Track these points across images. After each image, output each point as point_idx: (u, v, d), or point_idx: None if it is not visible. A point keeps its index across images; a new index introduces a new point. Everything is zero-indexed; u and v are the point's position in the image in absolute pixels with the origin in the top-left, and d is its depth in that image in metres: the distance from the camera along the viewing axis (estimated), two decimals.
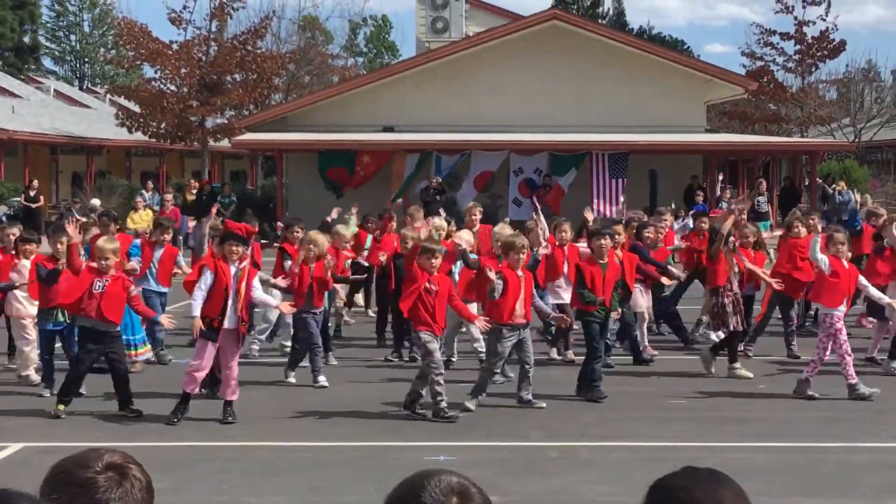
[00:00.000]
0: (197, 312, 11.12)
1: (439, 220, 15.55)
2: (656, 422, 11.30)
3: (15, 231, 13.66)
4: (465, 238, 13.89)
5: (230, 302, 11.13)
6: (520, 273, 11.60)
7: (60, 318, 12.49)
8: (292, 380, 13.31)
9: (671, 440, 10.49)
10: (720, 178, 36.27)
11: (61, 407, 11.40)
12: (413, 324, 11.72)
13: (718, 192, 33.34)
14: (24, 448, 10.20)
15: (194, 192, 34.66)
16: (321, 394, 12.74)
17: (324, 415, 11.61)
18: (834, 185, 35.97)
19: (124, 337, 13.83)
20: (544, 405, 11.80)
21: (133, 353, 14.01)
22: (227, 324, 11.13)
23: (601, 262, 12.51)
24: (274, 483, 9.00)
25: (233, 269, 11.22)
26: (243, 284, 11.20)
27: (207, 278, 11.17)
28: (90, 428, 10.92)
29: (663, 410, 11.87)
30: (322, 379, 13.11)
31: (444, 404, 11.19)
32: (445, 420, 11.10)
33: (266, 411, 11.68)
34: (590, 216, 15.41)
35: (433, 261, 11.36)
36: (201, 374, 11.25)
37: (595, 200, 32.29)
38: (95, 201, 32.48)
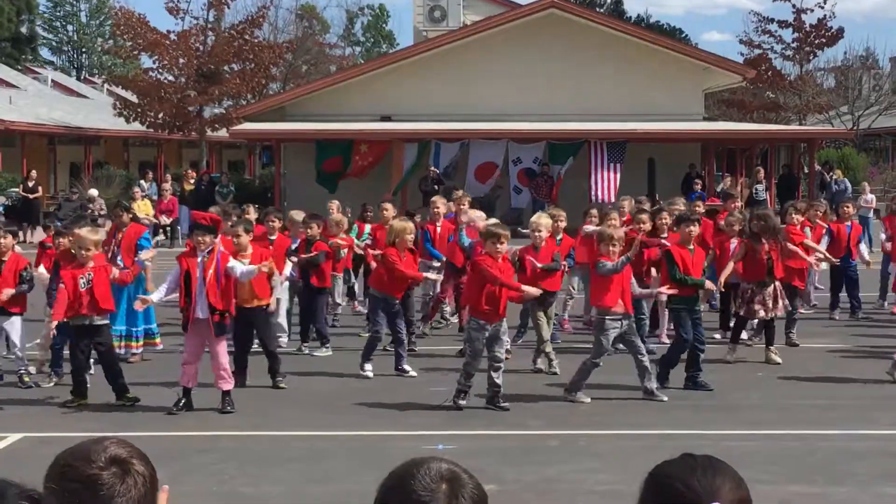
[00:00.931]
0: (155, 299, 11.53)
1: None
2: (655, 410, 11.32)
3: None
4: (478, 214, 13.98)
5: (196, 292, 11.20)
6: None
7: None
8: (369, 374, 13.20)
9: (670, 428, 10.51)
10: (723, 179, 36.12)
11: (76, 401, 11.54)
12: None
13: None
14: (23, 438, 10.22)
15: (192, 181, 34.65)
16: (318, 384, 12.75)
17: (321, 405, 11.63)
18: (831, 174, 36.01)
19: (123, 327, 13.87)
20: (665, 398, 11.67)
21: (134, 344, 14.02)
22: (198, 314, 11.20)
23: (689, 247, 12.46)
24: (271, 473, 9.02)
25: (198, 259, 11.28)
26: (210, 273, 11.20)
27: (175, 270, 11.31)
28: (89, 418, 10.93)
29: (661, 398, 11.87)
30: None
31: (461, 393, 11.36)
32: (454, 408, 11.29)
33: (264, 401, 11.69)
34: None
35: (499, 246, 11.40)
36: (190, 368, 11.27)
37: (592, 188, 32.30)
38: (93, 192, 32.49)
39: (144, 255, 13.57)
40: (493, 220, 13.51)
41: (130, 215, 14.92)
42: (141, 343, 14.09)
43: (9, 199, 33.21)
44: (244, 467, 9.20)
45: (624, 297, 11.63)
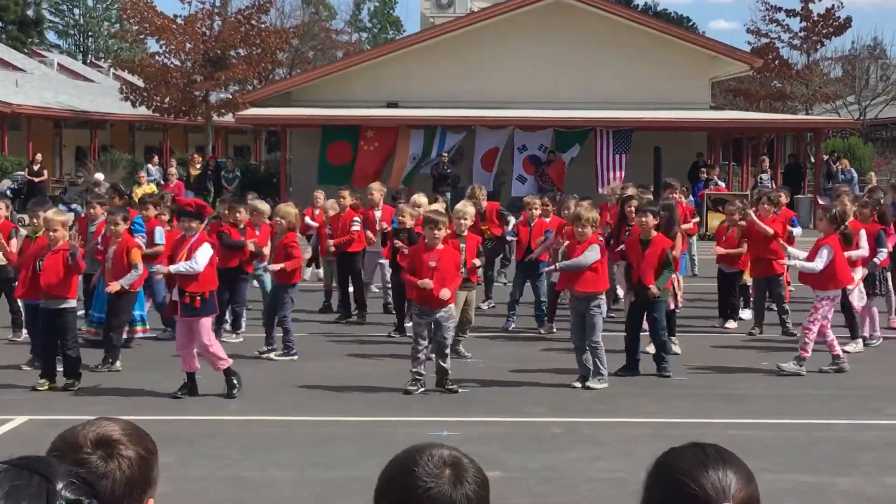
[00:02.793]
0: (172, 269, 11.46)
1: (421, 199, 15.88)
2: (658, 399, 11.32)
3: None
4: (468, 211, 13.92)
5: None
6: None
7: None
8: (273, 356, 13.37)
9: (672, 416, 10.51)
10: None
11: (45, 384, 11.57)
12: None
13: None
14: (28, 421, 10.25)
15: (198, 166, 34.64)
16: (322, 369, 12.76)
17: (326, 390, 11.64)
18: (837, 164, 35.94)
19: (139, 312, 13.88)
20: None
21: (139, 328, 14.04)
22: (175, 296, 11.35)
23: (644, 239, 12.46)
24: (276, 458, 9.03)
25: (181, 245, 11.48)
26: (182, 256, 11.27)
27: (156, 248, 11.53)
28: (93, 402, 10.95)
29: (665, 387, 11.89)
30: (274, 355, 13.35)
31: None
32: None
33: (268, 386, 11.70)
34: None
35: (436, 233, 11.43)
36: (186, 352, 11.26)
37: (598, 177, 32.27)
38: (99, 175, 32.48)
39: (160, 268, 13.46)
40: (434, 207, 13.75)
41: (124, 200, 14.84)
42: (138, 328, 14.06)
43: (14, 183, 33.21)
44: (249, 452, 9.21)
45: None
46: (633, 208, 14.43)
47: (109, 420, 2.48)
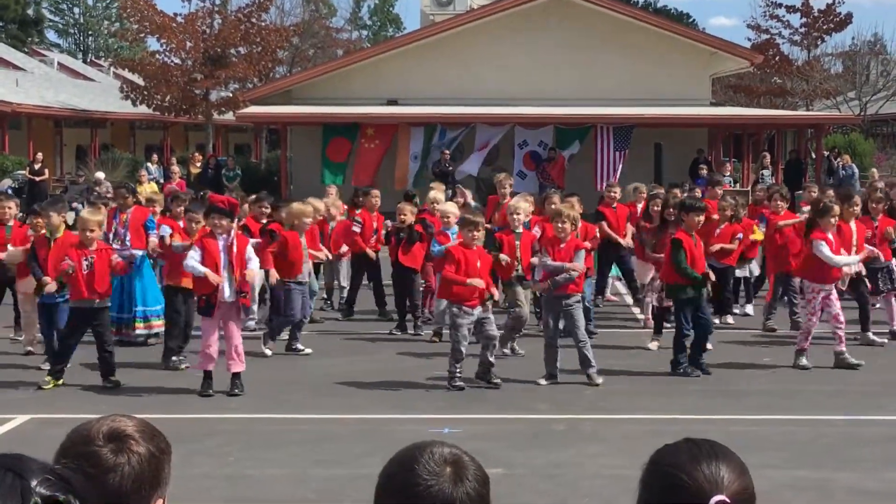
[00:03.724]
0: (200, 268, 11.19)
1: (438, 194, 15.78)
2: (660, 395, 11.32)
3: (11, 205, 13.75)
4: (450, 210, 13.84)
5: (224, 275, 11.16)
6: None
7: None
8: (268, 352, 13.36)
9: (675, 413, 10.51)
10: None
11: (51, 382, 11.51)
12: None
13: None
14: (30, 420, 10.25)
15: (198, 165, 34.66)
16: (324, 367, 12.77)
17: (327, 388, 11.65)
18: (838, 160, 35.93)
19: (141, 308, 13.88)
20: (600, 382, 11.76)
21: (153, 324, 13.99)
22: (224, 296, 11.16)
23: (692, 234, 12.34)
24: (277, 456, 9.03)
25: (221, 243, 11.26)
26: (234, 255, 11.21)
27: (198, 252, 11.25)
28: (96, 400, 10.96)
29: (667, 384, 11.89)
30: (300, 345, 13.41)
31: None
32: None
33: (269, 384, 11.70)
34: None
35: (475, 233, 11.48)
36: (213, 350, 11.25)
37: (598, 173, 32.26)
38: (100, 174, 32.50)
39: (165, 234, 13.50)
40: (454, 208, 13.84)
41: (135, 198, 14.81)
42: (160, 322, 14.00)
43: (15, 182, 33.21)
44: (249, 450, 9.21)
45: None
46: (658, 207, 14.47)
47: (125, 416, 2.49)
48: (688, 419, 10.24)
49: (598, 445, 9.37)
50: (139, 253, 13.74)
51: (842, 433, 9.80)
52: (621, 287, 18.09)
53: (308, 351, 13.46)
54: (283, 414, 10.60)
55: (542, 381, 11.72)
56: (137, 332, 13.95)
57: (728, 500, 2.21)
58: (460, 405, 10.86)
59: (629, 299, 17.40)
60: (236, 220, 11.70)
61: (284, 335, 13.64)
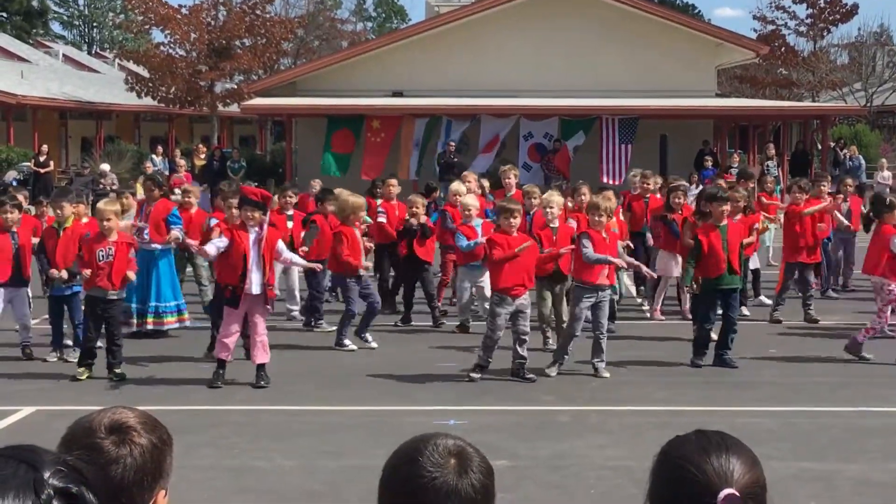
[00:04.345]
0: (213, 252, 11.22)
1: (457, 185, 15.54)
2: (665, 387, 11.32)
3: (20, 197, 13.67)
4: (471, 203, 13.84)
5: (253, 267, 11.13)
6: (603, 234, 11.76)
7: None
8: (351, 345, 13.31)
9: (680, 405, 10.51)
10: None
11: (84, 373, 11.56)
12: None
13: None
14: (36, 411, 10.27)
15: (203, 156, 34.66)
16: (330, 358, 12.78)
17: (333, 379, 11.66)
18: (845, 150, 35.88)
19: (153, 304, 13.89)
20: (607, 375, 11.73)
21: (164, 320, 14.00)
22: (252, 290, 11.14)
23: (720, 225, 12.26)
24: (283, 447, 9.04)
25: (252, 235, 11.19)
26: (264, 248, 11.18)
27: (223, 239, 11.22)
28: (102, 392, 10.97)
29: (672, 375, 11.89)
30: (348, 342, 13.28)
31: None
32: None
33: (275, 376, 11.70)
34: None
35: (512, 221, 11.45)
36: (231, 340, 11.29)
37: (603, 165, 32.26)
38: (105, 166, 32.51)
39: (173, 235, 13.49)
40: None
41: (162, 191, 14.66)
42: (174, 319, 14.05)
43: (20, 174, 33.26)
44: (256, 441, 9.23)
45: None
46: (679, 199, 14.41)
47: (126, 408, 2.50)
48: (693, 410, 10.24)
49: (603, 437, 9.38)
50: (157, 247, 13.77)
51: (846, 424, 9.80)
52: (626, 278, 18.08)
53: (368, 345, 13.35)
54: (288, 406, 10.61)
55: (553, 372, 11.72)
56: (148, 326, 13.96)
57: (737, 494, 2.20)
58: (466, 397, 10.86)
59: (633, 289, 17.39)
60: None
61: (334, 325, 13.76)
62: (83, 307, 11.96)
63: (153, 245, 13.78)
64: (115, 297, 11.64)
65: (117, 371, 11.61)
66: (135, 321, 13.70)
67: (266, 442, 9.21)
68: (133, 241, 12.07)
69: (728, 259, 12.10)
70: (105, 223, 11.51)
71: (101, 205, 11.93)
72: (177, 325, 14.09)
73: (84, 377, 11.51)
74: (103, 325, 11.60)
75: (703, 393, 11.08)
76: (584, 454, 8.85)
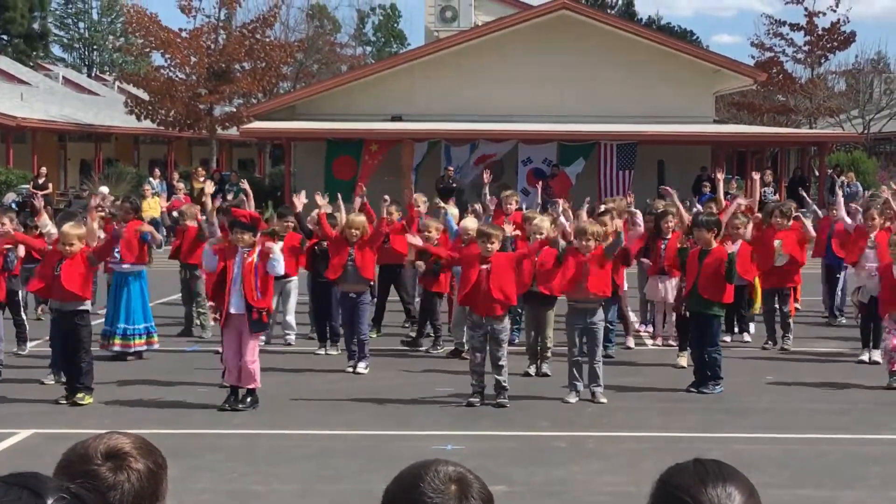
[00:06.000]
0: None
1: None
2: (663, 413, 11.31)
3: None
4: (469, 226, 13.85)
5: (235, 288, 11.16)
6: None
7: None
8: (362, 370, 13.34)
9: (678, 431, 10.50)
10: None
11: (85, 398, 11.50)
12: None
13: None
14: (33, 434, 10.25)
15: (202, 180, 34.65)
16: (328, 382, 12.76)
17: (331, 403, 11.64)
18: (842, 177, 35.94)
19: (122, 325, 13.86)
20: (605, 401, 11.71)
21: (133, 343, 13.99)
22: (232, 309, 11.16)
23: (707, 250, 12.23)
24: (281, 471, 9.03)
25: (237, 257, 11.24)
26: (247, 269, 11.14)
27: (216, 258, 11.33)
28: (99, 415, 10.95)
29: (670, 401, 11.87)
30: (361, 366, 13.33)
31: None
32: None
33: (271, 400, 11.69)
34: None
35: (489, 246, 11.41)
36: (227, 363, 11.37)
37: (602, 191, 32.29)
38: (104, 189, 32.51)
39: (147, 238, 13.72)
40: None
41: (137, 214, 14.81)
42: (142, 341, 14.07)
43: (19, 196, 33.25)
44: (254, 465, 9.21)
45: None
46: (669, 224, 14.40)
47: (121, 434, 2.50)
48: (690, 437, 10.23)
49: (600, 462, 9.36)
50: (127, 267, 13.88)
51: (844, 452, 9.79)
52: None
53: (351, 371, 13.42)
54: (285, 430, 10.59)
55: (572, 399, 11.71)
56: (115, 348, 13.91)
57: None
58: (462, 422, 10.85)
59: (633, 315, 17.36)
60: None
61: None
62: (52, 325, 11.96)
63: (124, 266, 13.87)
64: (71, 309, 11.51)
65: (79, 393, 11.50)
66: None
67: (263, 466, 9.19)
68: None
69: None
70: (68, 248, 11.44)
71: (66, 228, 11.77)
72: (145, 348, 14.10)
73: (85, 402, 11.47)
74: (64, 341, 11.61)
75: (700, 419, 11.06)
76: (581, 480, 8.83)
